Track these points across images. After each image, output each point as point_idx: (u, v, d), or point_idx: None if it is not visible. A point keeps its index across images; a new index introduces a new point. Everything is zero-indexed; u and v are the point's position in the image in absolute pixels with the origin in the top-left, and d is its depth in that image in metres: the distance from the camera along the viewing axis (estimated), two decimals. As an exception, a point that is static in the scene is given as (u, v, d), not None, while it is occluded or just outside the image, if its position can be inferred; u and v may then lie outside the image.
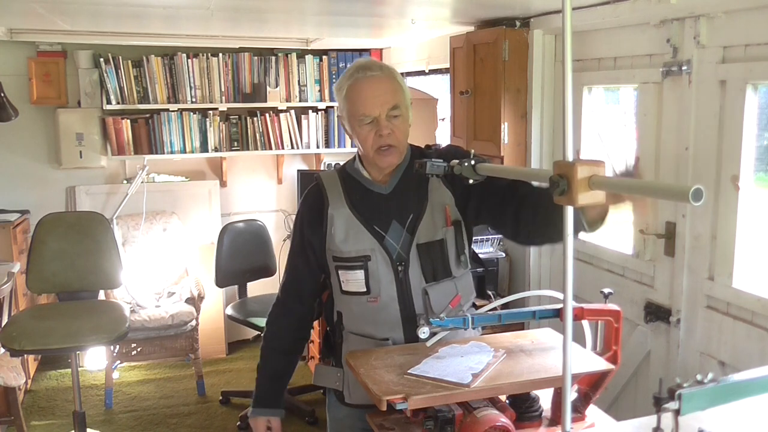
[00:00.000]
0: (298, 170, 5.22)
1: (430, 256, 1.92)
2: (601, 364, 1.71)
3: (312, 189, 2.02)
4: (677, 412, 1.18)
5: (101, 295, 3.99)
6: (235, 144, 5.12)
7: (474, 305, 2.06)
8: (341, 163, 2.10)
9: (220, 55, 4.97)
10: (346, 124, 1.95)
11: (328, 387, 2.04)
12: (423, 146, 2.04)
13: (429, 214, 1.93)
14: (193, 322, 4.52)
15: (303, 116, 5.22)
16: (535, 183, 1.83)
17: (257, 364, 2.10)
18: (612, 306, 1.81)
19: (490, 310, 1.82)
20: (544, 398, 1.77)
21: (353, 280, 1.91)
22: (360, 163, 1.98)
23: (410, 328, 1.87)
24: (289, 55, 5.14)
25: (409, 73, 4.76)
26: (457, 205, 1.94)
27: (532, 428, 1.71)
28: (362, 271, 1.89)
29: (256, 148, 5.15)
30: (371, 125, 1.86)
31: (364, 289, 1.90)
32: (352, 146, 5.27)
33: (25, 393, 4.32)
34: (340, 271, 1.93)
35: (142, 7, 3.16)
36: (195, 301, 4.61)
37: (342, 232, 1.91)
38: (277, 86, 5.11)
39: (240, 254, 4.48)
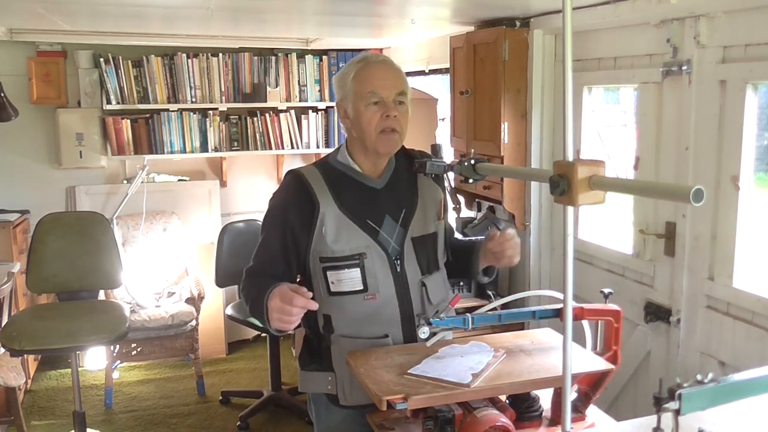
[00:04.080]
0: (298, 170, 5.21)
1: (424, 249, 1.93)
2: (601, 364, 1.71)
3: (293, 185, 1.90)
4: (677, 412, 1.18)
5: (101, 295, 3.99)
6: (235, 144, 5.12)
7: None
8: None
9: (220, 55, 4.97)
10: (350, 106, 1.88)
11: (317, 392, 1.94)
12: (430, 146, 2.08)
13: (421, 208, 1.94)
14: (193, 322, 4.51)
15: (303, 116, 5.21)
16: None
17: (250, 296, 1.90)
18: (612, 306, 1.81)
19: (490, 310, 1.83)
20: (544, 398, 1.77)
21: (347, 279, 1.84)
22: (349, 156, 1.93)
23: (408, 324, 1.87)
24: (289, 55, 5.14)
25: (409, 73, 4.71)
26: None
27: (532, 428, 1.71)
28: (358, 269, 1.84)
29: (256, 148, 5.14)
30: (378, 106, 1.84)
31: (361, 287, 1.84)
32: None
33: (25, 393, 4.31)
34: (328, 272, 1.85)
35: (142, 7, 3.16)
36: (195, 301, 4.60)
37: (333, 231, 1.84)
38: (277, 86, 5.11)
39: (240, 254, 4.46)
